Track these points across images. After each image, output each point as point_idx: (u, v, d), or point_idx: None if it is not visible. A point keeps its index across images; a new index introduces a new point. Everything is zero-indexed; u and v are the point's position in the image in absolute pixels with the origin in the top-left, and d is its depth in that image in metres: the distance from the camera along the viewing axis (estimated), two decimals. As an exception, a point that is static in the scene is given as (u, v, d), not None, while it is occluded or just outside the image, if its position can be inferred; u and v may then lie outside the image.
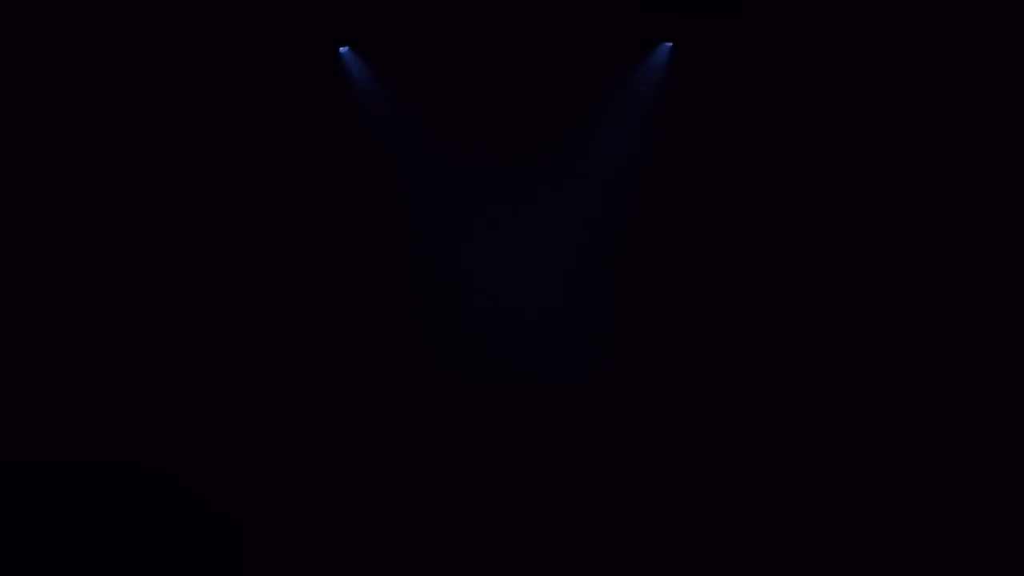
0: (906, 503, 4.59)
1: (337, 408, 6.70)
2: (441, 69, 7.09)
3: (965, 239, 6.42)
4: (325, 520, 4.43)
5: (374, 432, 6.27)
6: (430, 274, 7.11)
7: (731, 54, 6.88)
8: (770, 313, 6.83)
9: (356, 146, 7.16)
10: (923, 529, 4.22)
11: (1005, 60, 6.28)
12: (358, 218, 7.13)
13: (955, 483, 4.82)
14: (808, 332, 6.73)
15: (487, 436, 6.21)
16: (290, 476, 5.17)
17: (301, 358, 6.91)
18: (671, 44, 7.06)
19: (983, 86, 6.36)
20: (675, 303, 7.04)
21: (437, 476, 5.22)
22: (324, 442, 6.01)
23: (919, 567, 3.91)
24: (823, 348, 6.67)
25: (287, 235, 6.99)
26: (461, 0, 6.85)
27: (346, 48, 7.14)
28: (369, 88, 7.17)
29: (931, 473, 4.99)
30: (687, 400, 6.73)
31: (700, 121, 7.01)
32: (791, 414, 6.35)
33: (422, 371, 7.02)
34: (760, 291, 6.87)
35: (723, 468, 5.40)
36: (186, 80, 6.82)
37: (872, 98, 6.64)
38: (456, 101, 7.11)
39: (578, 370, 7.01)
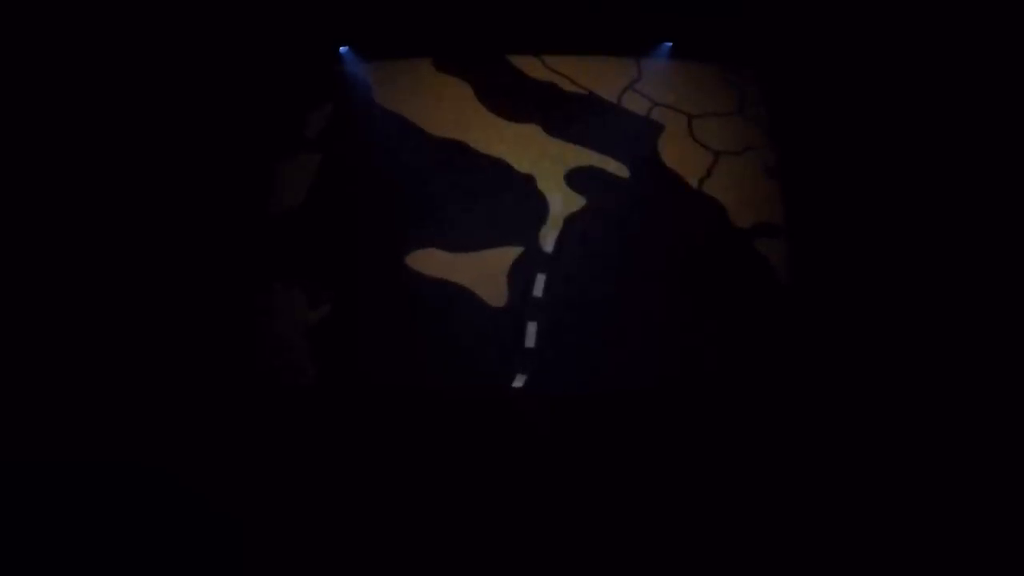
0: (907, 508, 4.59)
1: (336, 408, 6.70)
2: (441, 69, 7.09)
3: (965, 238, 6.42)
4: (325, 520, 4.44)
5: (374, 433, 6.27)
6: (429, 274, 7.09)
7: (731, 54, 6.88)
8: (774, 313, 6.83)
9: (356, 146, 7.16)
10: (923, 532, 4.23)
11: (1005, 60, 6.28)
12: (357, 218, 7.13)
13: (960, 493, 4.83)
14: (808, 334, 6.73)
15: (487, 437, 6.21)
16: (290, 476, 5.18)
17: (300, 358, 6.91)
18: (671, 44, 7.07)
19: (983, 85, 6.36)
20: (677, 302, 7.03)
21: (437, 477, 5.23)
22: (324, 442, 6.02)
23: (919, 567, 3.92)
24: (822, 350, 6.67)
25: (286, 235, 6.99)
26: (461, 1, 6.86)
27: (346, 48, 7.15)
28: (369, 88, 7.18)
29: (934, 482, 4.99)
30: (690, 402, 6.73)
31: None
32: (791, 417, 6.35)
33: (422, 372, 7.01)
34: (762, 289, 6.86)
35: (722, 471, 5.41)
36: (186, 80, 6.82)
37: (873, 98, 6.65)
38: (456, 100, 7.11)
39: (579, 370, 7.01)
